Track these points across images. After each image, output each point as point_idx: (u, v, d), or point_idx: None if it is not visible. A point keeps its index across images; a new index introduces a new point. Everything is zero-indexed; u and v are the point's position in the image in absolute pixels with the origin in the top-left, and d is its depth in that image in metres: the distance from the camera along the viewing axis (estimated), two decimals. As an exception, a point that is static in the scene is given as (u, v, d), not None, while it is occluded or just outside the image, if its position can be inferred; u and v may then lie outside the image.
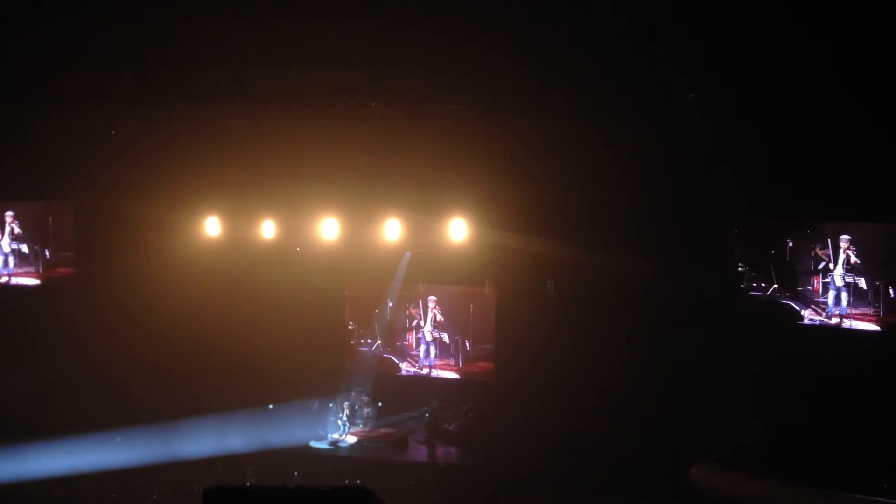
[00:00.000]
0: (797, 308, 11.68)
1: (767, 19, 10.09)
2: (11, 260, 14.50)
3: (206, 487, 4.28)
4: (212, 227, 13.90)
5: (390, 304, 14.51)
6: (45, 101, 12.77)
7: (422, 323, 14.29)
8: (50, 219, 14.62)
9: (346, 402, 13.43)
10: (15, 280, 14.54)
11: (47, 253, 14.54)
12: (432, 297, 14.31)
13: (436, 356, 14.30)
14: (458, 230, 13.17)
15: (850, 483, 9.82)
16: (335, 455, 12.78)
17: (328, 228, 13.64)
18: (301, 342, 14.10)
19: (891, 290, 11.05)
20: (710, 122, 11.48)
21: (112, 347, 13.86)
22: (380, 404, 13.78)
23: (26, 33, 11.46)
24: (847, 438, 10.39)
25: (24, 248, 14.52)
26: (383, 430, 13.52)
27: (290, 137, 13.40)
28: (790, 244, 11.81)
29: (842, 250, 11.37)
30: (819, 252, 11.55)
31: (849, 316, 11.29)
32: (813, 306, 11.60)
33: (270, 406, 13.47)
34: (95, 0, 11.11)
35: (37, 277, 14.56)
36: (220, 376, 13.88)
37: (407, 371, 14.49)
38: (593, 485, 11.34)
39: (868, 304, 11.17)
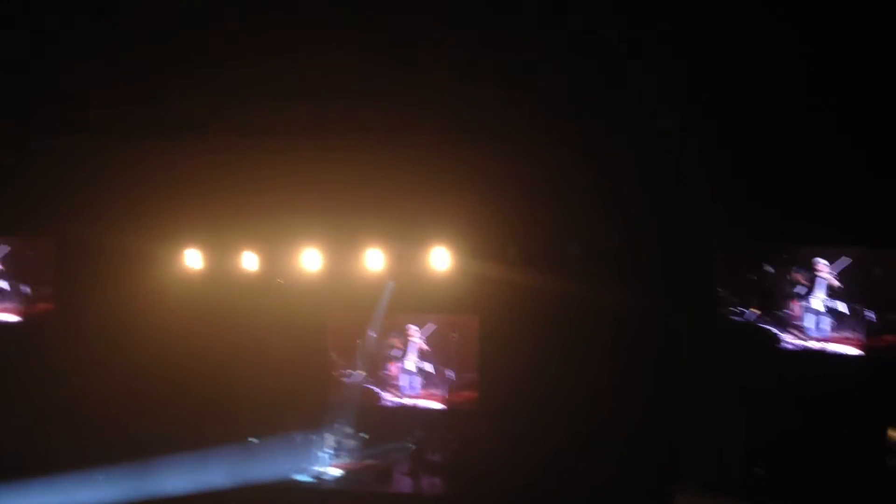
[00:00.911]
0: (777, 332, 11.74)
1: (747, 39, 10.17)
2: (-6, 297, 14.42)
3: None
4: (193, 259, 13.86)
5: (373, 335, 14.48)
6: (24, 134, 12.76)
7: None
8: (29, 254, 14.54)
9: (330, 435, 13.36)
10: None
11: (27, 289, 14.44)
12: (415, 327, 14.29)
13: (419, 386, 14.26)
14: (440, 259, 13.19)
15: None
16: (319, 488, 12.69)
17: (310, 259, 13.64)
18: (283, 374, 14.03)
19: (867, 314, 11.13)
20: (690, 147, 11.57)
21: (93, 382, 13.74)
22: (363, 436, 13.71)
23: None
24: (831, 462, 10.42)
25: (5, 284, 14.43)
26: (367, 462, 13.44)
27: (270, 169, 13.41)
28: (769, 269, 11.87)
29: (820, 274, 11.44)
30: (798, 276, 11.62)
31: (829, 340, 11.35)
32: (793, 331, 11.65)
33: (252, 439, 13.39)
34: (70, 33, 11.14)
35: (17, 314, 14.47)
36: (202, 410, 13.77)
37: (390, 402, 14.43)
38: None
39: (848, 328, 11.23)
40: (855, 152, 10.61)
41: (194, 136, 12.59)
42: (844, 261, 11.27)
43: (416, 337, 14.29)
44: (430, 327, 14.23)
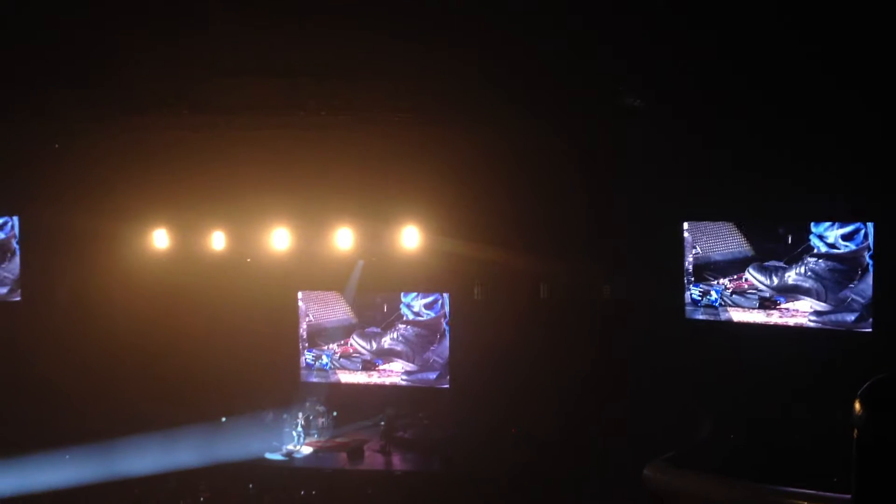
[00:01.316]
0: (743, 308, 11.92)
1: (709, 18, 10.19)
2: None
3: None
4: (160, 239, 13.74)
5: (344, 313, 14.49)
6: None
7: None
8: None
9: (301, 413, 13.38)
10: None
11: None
12: (386, 305, 14.32)
13: (390, 364, 14.30)
14: (410, 238, 13.21)
15: (800, 478, 10.01)
16: (290, 466, 12.71)
17: (279, 238, 13.59)
18: (254, 353, 14.01)
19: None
20: (661, 125, 11.64)
21: (59, 363, 13.60)
22: (334, 414, 13.75)
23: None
24: (797, 436, 10.60)
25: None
26: (338, 440, 13.48)
27: (238, 147, 13.31)
28: (738, 242, 12.03)
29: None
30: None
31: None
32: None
33: (224, 419, 13.36)
34: (34, 14, 10.93)
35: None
36: (172, 390, 13.71)
37: (360, 380, 14.46)
38: (549, 487, 11.43)
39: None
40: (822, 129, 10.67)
41: (161, 114, 12.43)
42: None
43: (388, 315, 14.33)
44: (401, 305, 14.27)
